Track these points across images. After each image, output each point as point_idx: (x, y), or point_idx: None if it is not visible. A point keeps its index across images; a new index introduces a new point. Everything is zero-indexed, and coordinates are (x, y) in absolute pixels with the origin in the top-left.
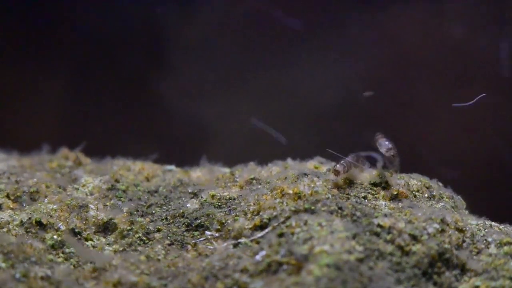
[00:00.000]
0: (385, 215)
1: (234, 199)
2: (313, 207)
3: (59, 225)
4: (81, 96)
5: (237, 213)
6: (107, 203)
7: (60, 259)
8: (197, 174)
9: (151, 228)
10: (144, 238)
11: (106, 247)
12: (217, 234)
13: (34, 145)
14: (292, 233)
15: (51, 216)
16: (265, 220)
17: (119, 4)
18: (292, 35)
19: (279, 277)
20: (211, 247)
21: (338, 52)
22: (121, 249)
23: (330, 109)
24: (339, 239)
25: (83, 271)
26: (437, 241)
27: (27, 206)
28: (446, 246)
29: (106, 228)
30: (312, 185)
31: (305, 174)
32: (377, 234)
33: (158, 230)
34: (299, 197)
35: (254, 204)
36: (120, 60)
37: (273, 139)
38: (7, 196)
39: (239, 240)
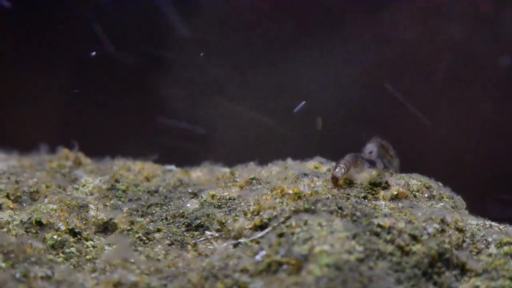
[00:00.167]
0: (385, 215)
1: (234, 199)
2: (313, 207)
3: (59, 225)
4: (81, 96)
5: (237, 213)
6: (107, 203)
7: (60, 259)
8: (197, 174)
9: (151, 228)
10: (144, 238)
11: (106, 247)
12: (217, 234)
13: (34, 145)
14: (292, 233)
15: (51, 216)
16: (265, 220)
17: (118, 4)
18: (292, 35)
19: (279, 277)
20: (211, 247)
21: (338, 52)
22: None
23: (330, 109)
24: (339, 239)
25: (83, 271)
26: (437, 241)
27: (27, 206)
28: (446, 246)
29: (106, 228)
30: (312, 185)
31: (305, 174)
32: (377, 234)
33: (158, 230)
34: (299, 197)
35: (254, 204)
36: (120, 60)
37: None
38: (7, 196)
39: (239, 240)
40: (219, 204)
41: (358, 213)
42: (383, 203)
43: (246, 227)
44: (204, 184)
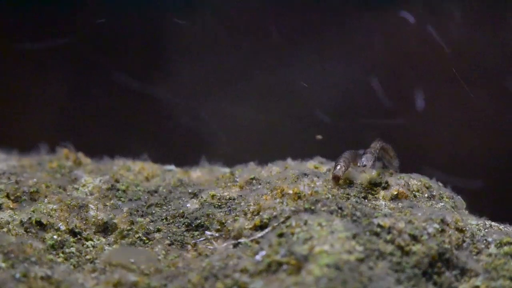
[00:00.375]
0: (385, 215)
1: (234, 199)
2: (313, 207)
3: (59, 225)
4: (81, 96)
5: (237, 213)
6: (107, 203)
7: (60, 259)
8: (197, 174)
9: (151, 228)
10: (144, 238)
11: (106, 247)
12: (217, 234)
13: (34, 145)
14: (292, 233)
15: (51, 216)
16: (265, 220)
17: (118, 4)
18: (292, 35)
19: (279, 277)
20: (211, 247)
21: (338, 52)
22: None
23: (330, 109)
24: (339, 239)
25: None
26: (437, 241)
27: (27, 206)
28: (446, 246)
29: (106, 228)
30: (312, 185)
31: (305, 174)
32: (377, 234)
33: (158, 230)
34: (299, 197)
35: (254, 204)
36: (120, 60)
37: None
38: (7, 196)
39: (239, 240)
40: (219, 204)
41: (358, 213)
42: (383, 203)
43: (246, 227)
44: (204, 184)
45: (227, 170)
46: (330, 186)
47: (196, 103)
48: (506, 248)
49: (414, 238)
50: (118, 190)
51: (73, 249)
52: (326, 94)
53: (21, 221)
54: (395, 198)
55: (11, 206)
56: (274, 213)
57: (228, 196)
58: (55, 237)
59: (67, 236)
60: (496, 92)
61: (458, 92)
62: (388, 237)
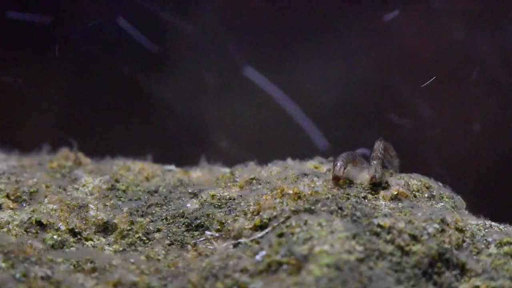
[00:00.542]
0: (385, 215)
1: (234, 199)
2: (313, 207)
3: (59, 225)
4: (81, 96)
5: (237, 213)
6: (107, 203)
7: (60, 259)
8: (197, 174)
9: (151, 228)
10: (144, 238)
11: (106, 247)
12: (217, 234)
13: (34, 145)
14: (292, 233)
15: (51, 216)
16: (265, 220)
17: (118, 4)
18: (292, 35)
19: (279, 277)
20: (211, 247)
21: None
22: (121, 249)
23: (331, 109)
24: (339, 239)
25: (83, 271)
26: (437, 241)
27: (27, 206)
28: (446, 246)
29: (106, 228)
30: (312, 185)
31: (305, 174)
32: (377, 234)
33: (158, 230)
34: (299, 197)
35: (254, 204)
36: (120, 60)
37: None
38: (7, 196)
39: (239, 240)
40: (219, 204)
41: (358, 213)
42: (383, 203)
43: (246, 227)
44: (204, 184)
45: (227, 170)
46: (330, 186)
47: (196, 103)
48: (506, 248)
49: (414, 238)
50: (118, 190)
51: (73, 249)
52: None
53: (21, 221)
54: (395, 198)
55: (11, 206)
56: (274, 213)
57: (228, 196)
58: (55, 237)
59: (67, 236)
60: (496, 92)
61: (458, 92)
62: (388, 237)
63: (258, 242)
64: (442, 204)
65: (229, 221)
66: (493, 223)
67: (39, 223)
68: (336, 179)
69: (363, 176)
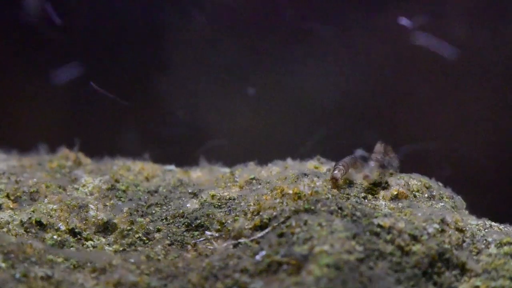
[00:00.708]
0: (385, 215)
1: (234, 199)
2: (313, 207)
3: (59, 225)
4: (81, 96)
5: (237, 213)
6: (107, 203)
7: (60, 259)
8: (197, 174)
9: (151, 228)
10: (144, 238)
11: (106, 247)
12: (217, 234)
13: (34, 145)
14: (292, 233)
15: (51, 216)
16: (265, 220)
17: (118, 4)
18: (291, 35)
19: (279, 277)
20: (211, 247)
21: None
22: (121, 249)
23: (331, 109)
24: (339, 239)
25: (83, 271)
26: (437, 241)
27: (27, 206)
28: (446, 246)
29: (106, 228)
30: (312, 185)
31: (305, 174)
32: (377, 234)
33: (158, 230)
34: (299, 197)
35: (254, 204)
36: (120, 60)
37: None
38: (7, 196)
39: (239, 240)
40: (219, 204)
41: (358, 213)
42: (383, 203)
43: (246, 227)
44: (204, 184)
45: (227, 170)
46: (330, 186)
47: (196, 103)
48: (506, 248)
49: (414, 238)
50: (118, 190)
51: (73, 249)
52: (326, 94)
53: (21, 221)
54: (395, 198)
55: (11, 206)
56: (274, 213)
57: (228, 196)
58: (55, 237)
59: (67, 236)
60: (496, 92)
61: (457, 92)
62: (388, 237)
63: (258, 242)
64: (442, 204)
65: (229, 221)
66: (493, 223)
67: (39, 223)
68: (333, 180)
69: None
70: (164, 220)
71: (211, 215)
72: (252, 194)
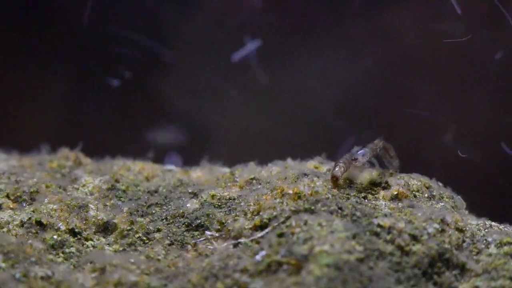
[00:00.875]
0: (385, 215)
1: (234, 199)
2: (313, 207)
3: (59, 225)
4: (81, 96)
5: (237, 213)
6: (107, 203)
7: (60, 259)
8: (197, 174)
9: (151, 228)
10: (144, 238)
11: (106, 247)
12: (217, 234)
13: (34, 145)
14: (292, 233)
15: (51, 216)
16: (265, 220)
17: (118, 4)
18: (292, 35)
19: (279, 277)
20: (211, 247)
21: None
22: (121, 249)
23: (331, 109)
24: (339, 239)
25: (83, 271)
26: (437, 241)
27: (27, 206)
28: (446, 246)
29: (106, 228)
30: (312, 185)
31: (305, 174)
32: (377, 234)
33: (158, 230)
34: (299, 197)
35: (254, 204)
36: (120, 60)
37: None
38: (7, 196)
39: (239, 240)
40: (219, 204)
41: (358, 213)
42: (383, 203)
43: (246, 227)
44: (204, 184)
45: (227, 170)
46: (330, 186)
47: (196, 102)
48: (506, 248)
49: (414, 238)
50: (118, 190)
51: (73, 249)
52: (326, 94)
53: (21, 221)
54: (395, 198)
55: (11, 206)
56: (274, 213)
57: (228, 196)
58: (55, 237)
59: (67, 236)
60: (496, 92)
61: (458, 92)
62: (388, 237)
63: (258, 242)
64: (442, 204)
65: (229, 221)
66: (493, 223)
67: (39, 223)
68: (334, 179)
69: (363, 176)
70: (164, 220)
71: (211, 215)
72: (252, 194)
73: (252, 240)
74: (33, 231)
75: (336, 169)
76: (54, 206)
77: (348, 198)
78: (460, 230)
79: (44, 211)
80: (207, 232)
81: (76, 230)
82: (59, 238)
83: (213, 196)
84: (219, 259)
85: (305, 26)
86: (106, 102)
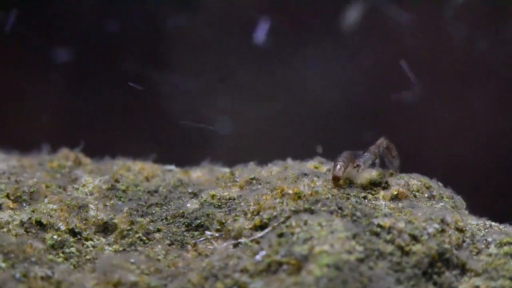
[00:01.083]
0: (385, 215)
1: (234, 199)
2: (313, 207)
3: (59, 225)
4: (81, 96)
5: (237, 213)
6: (107, 203)
7: (60, 259)
8: (197, 174)
9: (151, 228)
10: (144, 238)
11: (106, 247)
12: (217, 234)
13: (34, 145)
14: (292, 233)
15: (51, 216)
16: (265, 220)
17: (118, 4)
18: (292, 35)
19: (279, 277)
20: (211, 247)
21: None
22: (121, 249)
23: (331, 109)
24: (339, 239)
25: (83, 271)
26: (437, 241)
27: (27, 206)
28: (446, 246)
29: (106, 228)
30: (312, 185)
31: (305, 174)
32: (377, 234)
33: (158, 230)
34: (299, 197)
35: (254, 204)
36: (120, 60)
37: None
38: (7, 196)
39: (239, 240)
40: (219, 204)
41: (358, 213)
42: (383, 203)
43: (246, 227)
44: (204, 184)
45: (227, 170)
46: (330, 186)
47: (196, 102)
48: (506, 248)
49: (414, 238)
50: (118, 190)
51: (73, 249)
52: (326, 94)
53: (21, 221)
54: (395, 198)
55: (11, 206)
56: (274, 213)
57: (228, 196)
58: (55, 237)
59: (67, 236)
60: (496, 92)
61: (458, 92)
62: (388, 237)
63: (258, 242)
64: (442, 204)
65: (229, 221)
66: (493, 223)
67: (39, 223)
68: (335, 179)
69: (363, 176)
70: (164, 220)
71: (211, 215)
72: (252, 194)
73: (252, 240)
74: (33, 231)
75: (337, 169)
76: (54, 206)
77: (348, 198)
78: (460, 230)
79: (44, 211)
80: (207, 232)
81: (76, 230)
82: (59, 238)
83: (213, 196)
84: (219, 259)
85: (305, 25)
86: (106, 101)
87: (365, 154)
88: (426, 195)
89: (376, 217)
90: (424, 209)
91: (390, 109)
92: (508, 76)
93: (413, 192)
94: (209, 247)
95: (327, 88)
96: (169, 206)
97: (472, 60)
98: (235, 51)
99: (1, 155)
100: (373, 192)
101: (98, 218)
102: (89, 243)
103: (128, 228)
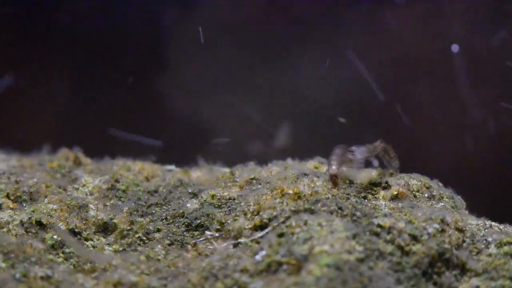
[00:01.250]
0: (385, 215)
1: (234, 199)
2: (313, 207)
3: (59, 225)
4: (81, 96)
5: (237, 213)
6: (107, 203)
7: (60, 259)
8: (197, 174)
9: (151, 228)
10: (144, 238)
11: (106, 247)
12: (217, 234)
13: (34, 145)
14: (292, 233)
15: (51, 216)
16: (265, 220)
17: (118, 3)
18: (292, 35)
19: (279, 277)
20: (211, 247)
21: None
22: (121, 249)
23: (331, 109)
24: (339, 239)
25: (83, 271)
26: (437, 241)
27: (27, 206)
28: (446, 246)
29: (106, 228)
30: (312, 185)
31: (305, 174)
32: (377, 234)
33: (158, 230)
34: (299, 197)
35: (254, 204)
36: (120, 60)
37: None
38: (7, 196)
39: (239, 240)
40: (219, 204)
41: (358, 213)
42: (383, 203)
43: (246, 227)
44: (204, 184)
45: (227, 170)
46: (330, 186)
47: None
48: (506, 248)
49: (414, 238)
50: (118, 190)
51: (73, 249)
52: (326, 94)
53: (21, 221)
54: (395, 198)
55: (11, 206)
56: (274, 213)
57: (228, 196)
58: (55, 237)
59: (67, 236)
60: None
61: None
62: (388, 237)
63: (258, 242)
64: (442, 204)
65: (229, 221)
66: (493, 223)
67: (39, 223)
68: (332, 177)
69: (363, 176)
70: (164, 220)
71: (211, 215)
72: (252, 194)
73: (252, 240)
74: (33, 231)
75: (333, 167)
76: (54, 206)
77: (348, 198)
78: (460, 230)
79: (44, 211)
80: (207, 232)
81: (76, 230)
82: (59, 238)
83: (213, 196)
84: (219, 259)
85: (304, 25)
86: (107, 101)
87: (362, 148)
88: (426, 195)
89: (376, 217)
90: (424, 209)
91: (390, 109)
92: (508, 76)
93: (413, 192)
94: (209, 247)
95: (327, 88)
96: (169, 206)
97: (474, 59)
98: (235, 49)
99: (1, 155)
100: (373, 192)
101: (98, 218)
102: (89, 243)
103: (128, 228)
